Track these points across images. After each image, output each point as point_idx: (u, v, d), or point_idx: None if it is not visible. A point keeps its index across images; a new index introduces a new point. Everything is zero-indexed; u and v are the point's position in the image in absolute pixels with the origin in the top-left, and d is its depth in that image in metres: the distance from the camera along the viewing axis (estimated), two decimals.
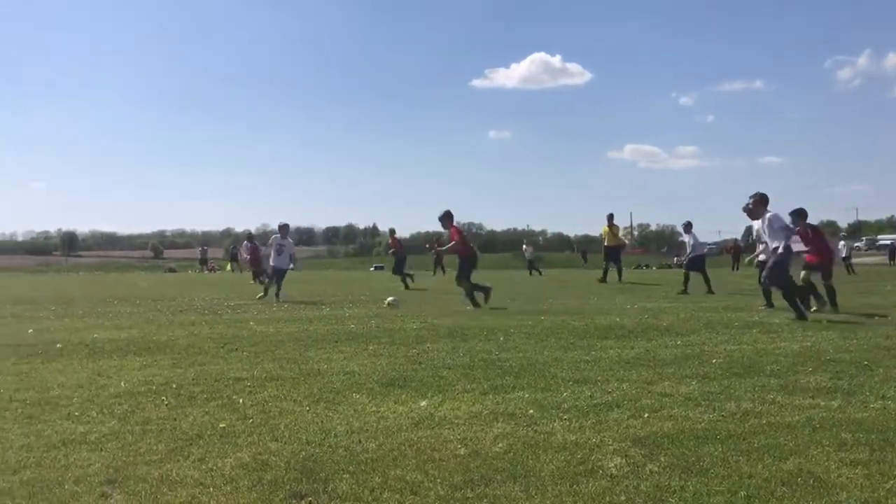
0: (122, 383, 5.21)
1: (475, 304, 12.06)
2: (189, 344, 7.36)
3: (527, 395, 4.74)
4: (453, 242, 12.76)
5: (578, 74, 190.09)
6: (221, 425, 3.98)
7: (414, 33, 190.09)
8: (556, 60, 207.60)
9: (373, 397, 4.73)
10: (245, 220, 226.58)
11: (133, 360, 6.35)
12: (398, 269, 20.85)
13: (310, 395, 4.81)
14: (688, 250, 17.03)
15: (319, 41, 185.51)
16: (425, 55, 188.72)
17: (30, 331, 8.71)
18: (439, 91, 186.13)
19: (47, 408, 4.45)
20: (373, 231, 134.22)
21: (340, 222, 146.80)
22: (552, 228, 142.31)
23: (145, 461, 3.34)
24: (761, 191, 10.31)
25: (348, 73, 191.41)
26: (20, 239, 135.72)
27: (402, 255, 21.35)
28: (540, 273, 31.40)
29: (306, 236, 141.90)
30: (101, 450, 3.53)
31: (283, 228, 15.11)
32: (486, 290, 12.33)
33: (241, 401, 4.61)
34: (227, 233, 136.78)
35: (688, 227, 17.34)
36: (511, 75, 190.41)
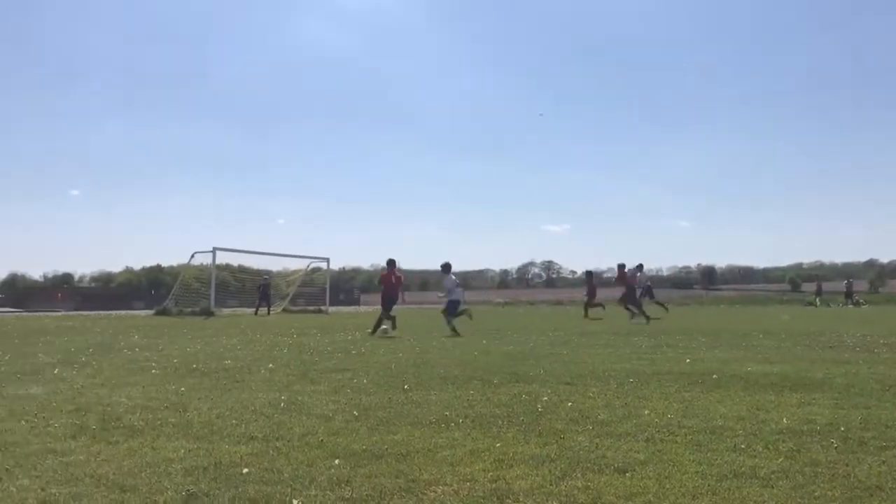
0: (784, 419, 5.11)
1: (375, 330, 15.61)
2: (848, 384, 6.86)
3: None
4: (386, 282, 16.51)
5: None
6: None
7: None
8: None
9: None
10: (888, 251, 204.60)
11: (789, 396, 6.20)
12: (630, 301, 21.69)
13: None
14: None
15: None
16: None
17: (687, 360, 9.32)
18: None
19: (712, 437, 4.62)
20: None
21: None
22: None
23: None
24: None
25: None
26: (665, 273, 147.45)
27: (631, 286, 21.96)
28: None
29: None
30: (773, 487, 3.48)
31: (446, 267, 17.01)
32: (381, 326, 15.60)
33: None
34: (871, 264, 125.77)
35: None
36: None
